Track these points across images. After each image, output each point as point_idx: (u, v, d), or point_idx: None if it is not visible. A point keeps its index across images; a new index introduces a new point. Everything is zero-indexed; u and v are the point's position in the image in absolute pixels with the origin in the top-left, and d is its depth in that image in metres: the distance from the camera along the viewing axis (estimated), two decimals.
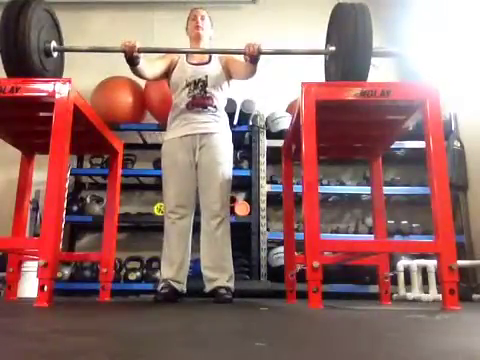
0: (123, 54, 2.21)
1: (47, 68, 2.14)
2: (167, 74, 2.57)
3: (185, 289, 2.44)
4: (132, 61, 2.24)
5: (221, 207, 2.41)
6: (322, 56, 2.36)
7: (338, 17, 2.09)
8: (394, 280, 2.99)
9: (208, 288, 2.38)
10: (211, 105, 2.49)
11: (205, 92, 2.48)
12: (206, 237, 2.42)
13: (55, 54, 2.16)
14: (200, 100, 2.47)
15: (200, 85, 2.48)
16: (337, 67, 2.09)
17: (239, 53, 2.28)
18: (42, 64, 2.09)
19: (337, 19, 2.10)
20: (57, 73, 2.27)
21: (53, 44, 2.12)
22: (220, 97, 2.54)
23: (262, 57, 2.24)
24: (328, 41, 2.26)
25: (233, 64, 2.54)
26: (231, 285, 2.39)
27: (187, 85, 2.48)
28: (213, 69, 2.53)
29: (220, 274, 2.37)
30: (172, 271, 2.38)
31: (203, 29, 2.59)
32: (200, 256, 2.44)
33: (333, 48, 2.11)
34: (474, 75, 3.52)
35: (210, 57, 2.58)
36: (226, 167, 2.49)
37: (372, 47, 1.95)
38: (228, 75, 2.56)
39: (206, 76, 2.49)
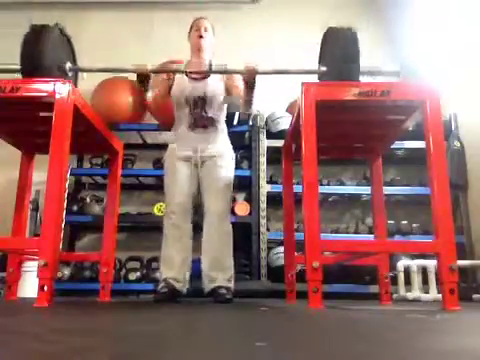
0: (132, 72, 2.32)
1: None
2: (170, 88, 2.59)
3: (185, 289, 2.43)
4: (145, 83, 2.33)
5: (222, 209, 2.43)
6: None
7: (329, 40, 2.22)
8: (394, 280, 2.99)
9: (208, 288, 2.38)
10: (211, 125, 2.53)
11: (205, 112, 2.50)
12: (207, 238, 2.43)
13: (70, 73, 2.30)
14: (201, 122, 2.51)
15: (200, 103, 2.50)
16: None
17: (238, 72, 2.36)
18: None
19: (328, 42, 2.23)
20: None
21: (68, 64, 2.26)
22: (219, 113, 2.57)
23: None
24: (320, 61, 2.35)
25: (232, 89, 2.54)
26: (231, 285, 2.39)
27: (187, 103, 2.51)
28: (212, 84, 2.53)
29: (220, 274, 2.37)
30: (172, 271, 2.38)
31: (205, 40, 2.59)
32: (201, 256, 2.44)
33: (324, 68, 2.22)
34: (474, 75, 3.52)
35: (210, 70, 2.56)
36: (228, 173, 2.53)
37: (359, 68, 2.07)
38: (226, 91, 2.57)
39: (205, 93, 2.49)
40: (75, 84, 2.41)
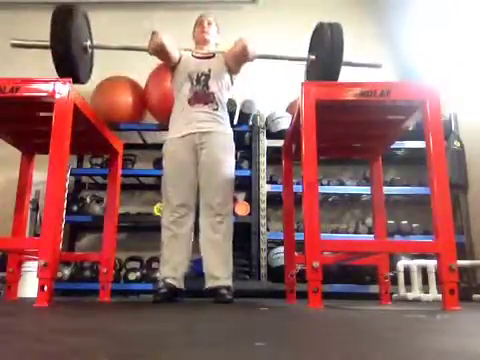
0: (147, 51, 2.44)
1: (84, 61, 2.45)
2: (176, 64, 2.61)
3: (183, 285, 2.42)
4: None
5: (222, 205, 2.41)
6: None
7: (318, 33, 2.48)
8: (394, 280, 2.99)
9: (208, 285, 2.37)
10: (212, 102, 2.51)
11: (207, 88, 2.51)
12: (206, 235, 2.41)
13: (90, 50, 2.52)
14: (202, 97, 2.50)
15: (203, 79, 2.52)
16: (316, 71, 2.48)
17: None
18: (80, 58, 2.38)
19: (317, 35, 2.50)
20: (89, 65, 2.60)
21: (89, 42, 2.46)
22: (222, 93, 2.57)
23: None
24: (310, 51, 2.58)
25: (227, 53, 2.59)
26: (231, 284, 2.38)
27: (190, 78, 2.53)
28: (217, 63, 2.58)
29: (221, 272, 2.36)
30: (171, 271, 2.37)
31: (209, 34, 2.66)
32: (201, 254, 2.43)
33: (313, 57, 2.51)
34: (474, 75, 3.52)
35: (214, 53, 2.65)
36: (228, 165, 2.49)
37: (342, 57, 2.32)
38: (229, 70, 2.61)
39: (209, 70, 2.54)
40: (92, 61, 2.60)
